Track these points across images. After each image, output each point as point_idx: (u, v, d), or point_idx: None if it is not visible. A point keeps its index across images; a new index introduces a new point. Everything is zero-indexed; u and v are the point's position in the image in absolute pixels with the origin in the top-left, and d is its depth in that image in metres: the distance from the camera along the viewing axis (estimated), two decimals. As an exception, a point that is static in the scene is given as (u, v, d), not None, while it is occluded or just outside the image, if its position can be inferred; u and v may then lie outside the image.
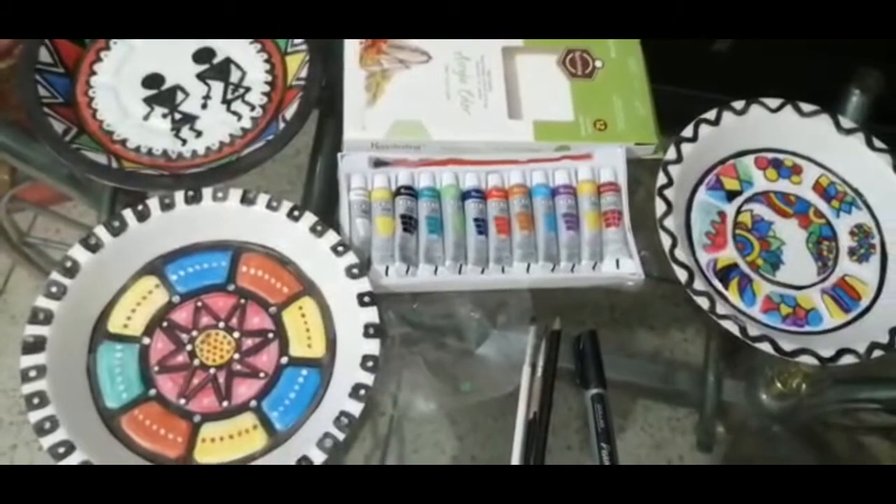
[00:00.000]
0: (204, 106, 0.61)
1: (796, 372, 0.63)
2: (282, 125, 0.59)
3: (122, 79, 0.62)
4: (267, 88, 0.62)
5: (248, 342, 0.56)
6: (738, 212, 0.63)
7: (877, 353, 0.58)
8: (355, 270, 0.56)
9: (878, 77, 0.70)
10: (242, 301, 0.57)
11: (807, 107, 0.65)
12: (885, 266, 0.63)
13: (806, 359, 0.57)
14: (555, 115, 0.63)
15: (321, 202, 0.63)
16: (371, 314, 0.55)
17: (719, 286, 0.60)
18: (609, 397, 0.56)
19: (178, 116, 0.61)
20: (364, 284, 0.55)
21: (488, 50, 0.64)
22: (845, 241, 0.63)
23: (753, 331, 0.57)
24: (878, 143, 0.65)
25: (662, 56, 0.72)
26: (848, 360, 0.57)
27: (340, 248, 0.56)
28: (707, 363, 0.68)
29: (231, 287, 0.57)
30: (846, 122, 0.65)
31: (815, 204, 0.64)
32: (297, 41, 0.63)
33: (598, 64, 0.65)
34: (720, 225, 0.63)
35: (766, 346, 0.57)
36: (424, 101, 0.62)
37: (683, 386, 0.71)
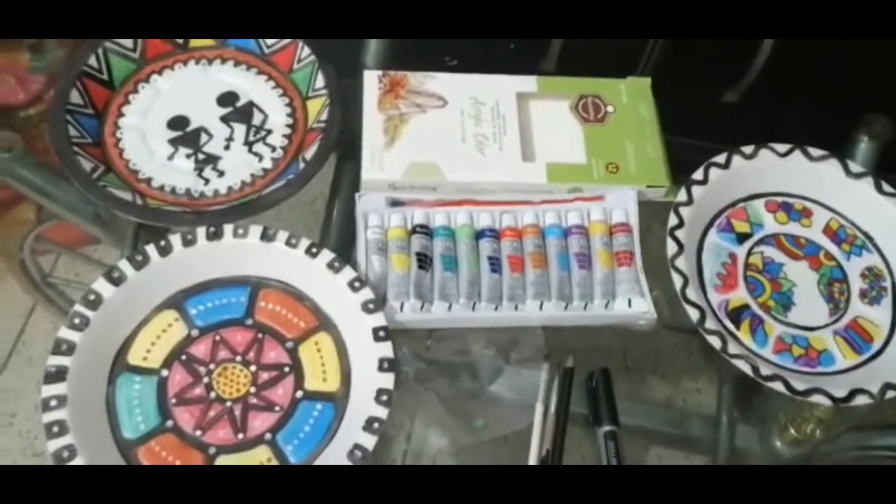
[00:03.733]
0: (227, 147, 0.63)
1: (810, 417, 0.63)
2: (301, 165, 0.61)
3: (149, 120, 0.64)
4: (288, 131, 0.65)
5: (265, 376, 0.57)
6: (749, 254, 0.64)
7: (891, 393, 0.58)
8: (371, 306, 0.57)
9: (886, 123, 0.72)
10: (260, 335, 0.58)
11: (815, 152, 0.66)
12: (898, 308, 0.63)
13: (819, 398, 0.57)
14: (568, 158, 0.64)
15: (338, 241, 0.64)
16: (386, 349, 0.55)
17: (731, 327, 0.61)
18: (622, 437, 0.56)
19: (201, 157, 0.63)
20: (379, 319, 0.56)
21: (503, 95, 0.66)
22: (857, 284, 0.64)
23: (766, 370, 0.57)
24: (887, 188, 0.66)
25: (674, 107, 0.74)
26: (861, 400, 0.57)
27: (357, 284, 0.57)
28: (720, 408, 0.68)
29: (249, 321, 0.58)
30: (855, 167, 0.66)
31: (825, 247, 0.65)
32: (318, 86, 0.65)
33: (610, 109, 0.67)
34: (731, 266, 0.63)
35: (778, 386, 0.57)
36: (440, 144, 0.63)
37: (696, 432, 0.71)
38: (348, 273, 0.58)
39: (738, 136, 0.69)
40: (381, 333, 0.56)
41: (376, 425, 0.53)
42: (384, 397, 0.54)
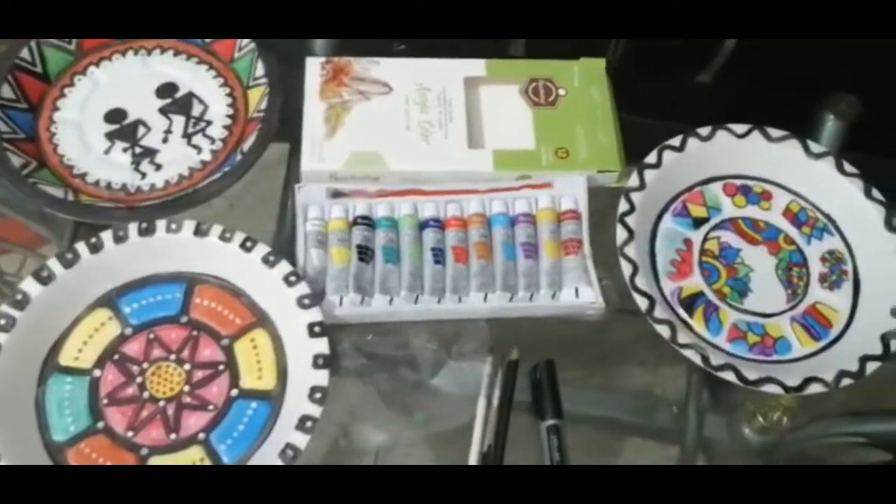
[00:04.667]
0: (165, 140, 0.62)
1: (776, 405, 0.61)
2: (239, 157, 0.60)
3: (86, 114, 0.62)
4: (228, 122, 0.63)
5: (199, 374, 0.55)
6: (705, 239, 0.62)
7: (846, 381, 0.56)
8: (307, 301, 0.55)
9: (853, 102, 0.69)
10: (195, 333, 0.56)
11: (775, 132, 0.64)
12: (858, 293, 0.61)
13: (771, 388, 0.55)
14: (516, 144, 0.62)
15: (285, 234, 0.62)
16: (321, 345, 0.54)
17: (684, 315, 0.59)
18: (566, 429, 0.55)
19: (138, 150, 0.61)
20: (315, 315, 0.55)
21: (450, 80, 0.64)
22: (816, 268, 0.62)
23: (716, 360, 0.55)
24: (849, 168, 0.63)
25: (643, 88, 0.72)
26: (815, 388, 0.55)
27: (292, 279, 0.56)
28: (688, 398, 0.66)
29: (184, 319, 0.57)
30: (816, 147, 0.64)
31: (785, 230, 0.63)
32: (259, 75, 0.63)
33: (562, 92, 0.64)
34: (686, 252, 0.61)
35: (729, 375, 0.55)
36: (384, 132, 0.62)
37: (662, 422, 0.69)
38: (284, 267, 0.56)
39: (710, 117, 0.67)
40: (317, 329, 0.54)
41: (309, 424, 0.51)
42: (318, 395, 0.52)
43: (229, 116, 0.63)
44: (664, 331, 0.56)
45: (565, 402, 0.56)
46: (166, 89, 0.64)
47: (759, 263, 0.61)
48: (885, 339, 0.57)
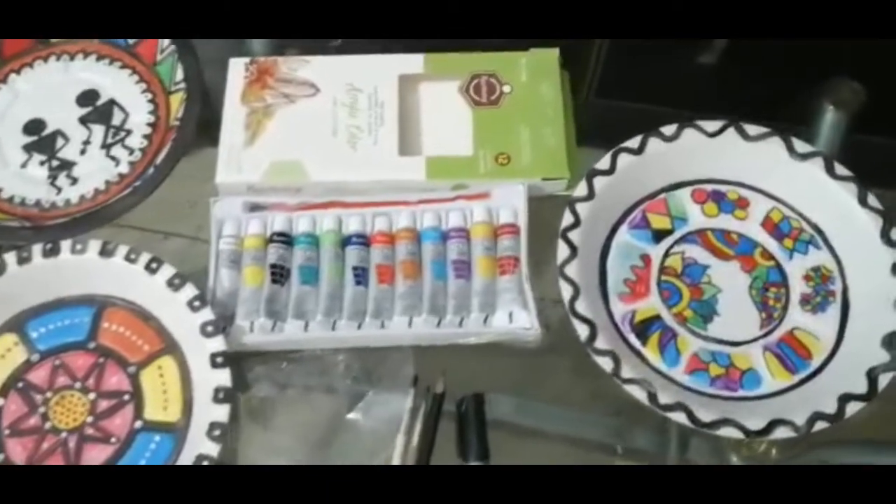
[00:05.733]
0: (83, 151, 0.58)
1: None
2: (151, 171, 0.56)
3: (5, 126, 0.59)
4: (148, 130, 0.59)
5: (103, 404, 0.52)
6: (667, 254, 0.55)
7: (820, 425, 0.48)
8: (210, 328, 0.51)
9: (856, 88, 0.60)
10: (101, 360, 0.53)
11: (753, 129, 0.56)
12: (846, 317, 0.53)
13: (728, 431, 0.48)
14: (453, 149, 0.56)
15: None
16: (223, 377, 0.50)
17: (635, 343, 0.52)
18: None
19: (55, 164, 0.58)
20: (218, 343, 0.51)
21: (384, 79, 0.58)
22: (798, 288, 0.53)
23: (666, 397, 0.49)
24: (840, 170, 0.55)
25: (639, 69, 0.64)
26: (782, 433, 0.48)
27: (196, 304, 0.52)
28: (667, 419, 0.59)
29: (91, 345, 0.54)
30: (801, 146, 0.55)
31: (762, 243, 0.55)
32: (179, 79, 0.59)
33: (507, 89, 0.58)
34: (643, 270, 0.54)
35: (680, 416, 0.48)
36: (307, 139, 0.56)
37: (641, 444, 0.63)
38: (189, 291, 0.52)
39: (710, 103, 0.60)
40: (219, 360, 0.50)
41: (206, 463, 0.48)
42: (216, 432, 0.48)
43: (150, 125, 0.59)
44: (605, 363, 0.49)
45: (494, 441, 0.50)
46: (87, 97, 0.60)
47: (729, 282, 0.54)
48: (871, 374, 0.49)
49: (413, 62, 0.59)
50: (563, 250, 0.52)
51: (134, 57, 0.61)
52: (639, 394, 0.49)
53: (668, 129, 0.56)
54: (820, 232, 0.55)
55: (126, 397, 0.52)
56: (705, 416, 0.48)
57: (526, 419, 0.54)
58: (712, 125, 0.56)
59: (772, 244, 0.55)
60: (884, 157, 0.60)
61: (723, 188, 0.56)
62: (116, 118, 0.59)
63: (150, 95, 0.60)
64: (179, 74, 0.59)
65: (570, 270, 0.52)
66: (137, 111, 0.60)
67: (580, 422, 0.57)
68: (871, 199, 0.53)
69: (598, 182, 0.54)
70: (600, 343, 0.50)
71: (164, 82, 0.60)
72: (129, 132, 0.59)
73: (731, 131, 0.56)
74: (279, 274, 0.53)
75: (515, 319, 0.52)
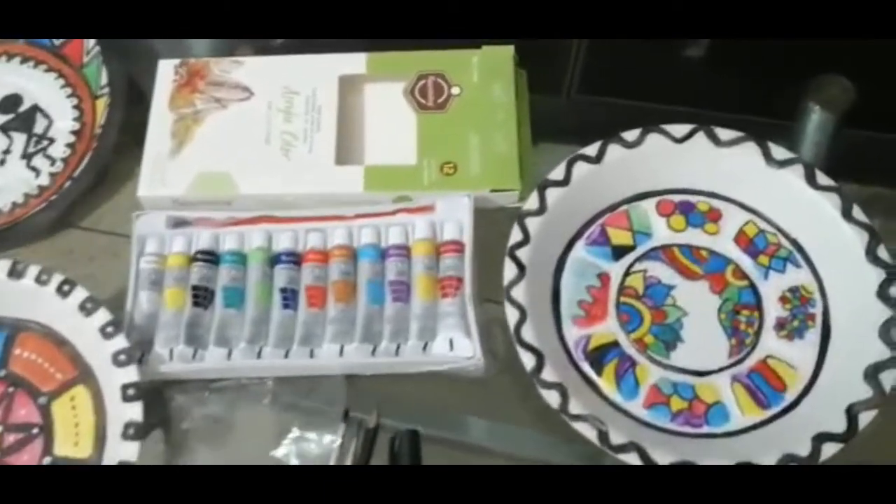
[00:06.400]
0: (2, 162, 0.55)
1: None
2: (69, 184, 0.52)
3: (-75, 137, 0.56)
4: (72, 139, 0.55)
5: (11, 438, 0.48)
6: (627, 273, 0.49)
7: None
8: (122, 357, 0.47)
9: (846, 86, 0.54)
10: (11, 389, 0.49)
11: (725, 133, 0.50)
12: (827, 344, 0.47)
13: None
14: (395, 158, 0.52)
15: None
16: (133, 411, 0.46)
17: (589, 372, 0.47)
18: None
19: (-27, 176, 0.54)
20: (130, 374, 0.46)
21: (323, 81, 0.54)
22: (773, 311, 0.48)
23: (618, 437, 0.43)
24: (822, 179, 0.49)
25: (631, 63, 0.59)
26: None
27: (109, 330, 0.48)
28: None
29: (1, 372, 0.50)
30: (779, 152, 0.50)
31: (735, 260, 0.49)
32: (104, 83, 0.55)
33: (455, 91, 0.53)
34: (600, 291, 0.49)
35: (633, 458, 0.43)
36: (237, 148, 0.52)
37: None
38: (102, 316, 0.48)
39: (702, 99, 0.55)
40: (130, 392, 0.46)
41: (113, 506, 0.44)
42: (125, 472, 0.44)
43: (74, 133, 0.55)
44: (552, 397, 0.44)
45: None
46: (9, 102, 0.56)
47: (696, 305, 0.48)
48: (851, 411, 0.43)
49: (355, 62, 0.54)
50: (510, 270, 0.47)
51: (60, 59, 0.57)
52: (588, 432, 0.44)
53: (630, 135, 0.50)
54: (799, 248, 0.49)
55: (35, 430, 0.48)
56: (661, 457, 0.43)
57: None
58: (679, 129, 0.50)
59: (745, 261, 0.49)
60: (875, 164, 0.54)
61: (692, 199, 0.51)
62: (39, 125, 0.55)
63: (75, 101, 0.56)
64: (105, 78, 0.54)
65: (518, 293, 0.47)
66: (62, 117, 0.56)
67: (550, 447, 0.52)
68: (857, 212, 0.48)
69: (552, 194, 0.49)
70: (547, 374, 0.45)
71: (92, 86, 0.56)
72: (51, 141, 0.55)
73: (700, 136, 0.50)
74: (202, 296, 0.49)
75: (456, 347, 0.47)
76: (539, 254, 0.48)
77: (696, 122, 0.51)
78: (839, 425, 0.43)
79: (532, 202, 0.49)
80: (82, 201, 0.52)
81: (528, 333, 0.46)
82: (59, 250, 0.53)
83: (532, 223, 0.48)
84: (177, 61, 0.55)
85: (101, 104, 0.55)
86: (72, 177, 0.52)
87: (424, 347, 0.47)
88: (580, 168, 0.50)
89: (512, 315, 0.46)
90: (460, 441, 0.48)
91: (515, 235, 0.48)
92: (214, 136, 0.52)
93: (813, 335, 0.47)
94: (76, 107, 0.56)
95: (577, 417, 0.44)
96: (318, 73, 0.54)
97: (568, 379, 0.46)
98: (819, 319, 0.48)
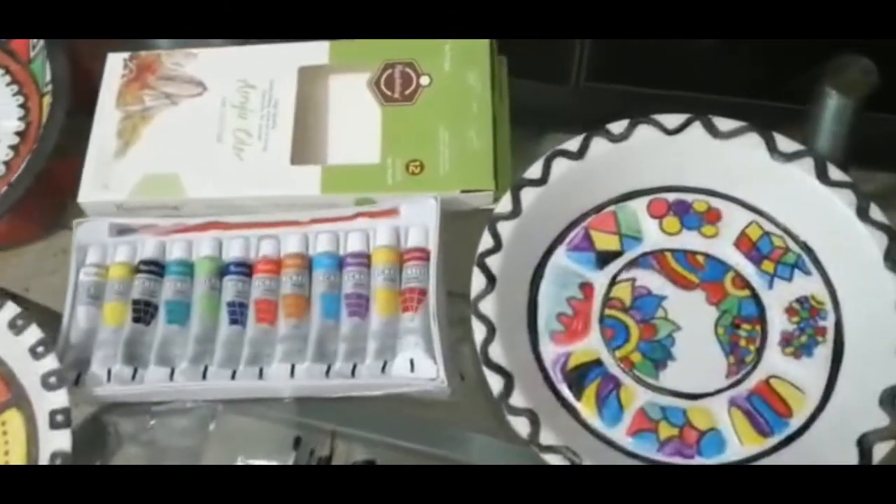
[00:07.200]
0: (-62, 168, 0.51)
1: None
2: (5, 189, 0.48)
3: None
4: (15, 140, 0.51)
5: (-61, 467, 0.45)
6: (613, 283, 0.44)
7: (795, 510, 0.37)
8: (52, 379, 0.43)
9: (867, 68, 0.48)
10: (-60, 413, 0.46)
11: (724, 123, 0.45)
12: (839, 363, 0.41)
13: (674, 517, 0.38)
14: (356, 156, 0.47)
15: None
16: (61, 440, 0.42)
17: (567, 395, 0.42)
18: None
19: None
20: (59, 398, 0.42)
21: (281, 73, 0.49)
22: (778, 324, 0.42)
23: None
24: (835, 174, 0.43)
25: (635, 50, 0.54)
26: (745, 520, 0.37)
27: (40, 350, 0.44)
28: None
29: (-68, 394, 0.46)
30: (785, 144, 0.44)
31: (736, 267, 0.44)
32: (48, 79, 0.51)
33: (424, 81, 0.48)
34: (582, 303, 0.44)
35: (612, 495, 0.38)
36: (187, 148, 0.48)
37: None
38: (32, 334, 0.44)
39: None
40: (59, 419, 0.42)
41: (39, 547, 0.40)
42: (52, 507, 0.40)
43: (19, 133, 0.51)
44: (521, 425, 0.39)
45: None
46: (-54, 102, 0.53)
47: (690, 318, 0.43)
48: (863, 443, 0.38)
49: (317, 51, 0.49)
50: (478, 281, 0.42)
51: (7, 54, 0.53)
52: (560, 464, 0.39)
53: (616, 127, 0.45)
54: (809, 252, 0.43)
55: (-36, 459, 0.45)
56: (647, 494, 0.38)
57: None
58: (672, 120, 0.45)
59: (747, 268, 0.44)
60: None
61: (688, 198, 0.45)
62: (-21, 126, 0.52)
63: (21, 98, 0.52)
64: (49, 74, 0.51)
65: (486, 306, 0.42)
66: (7, 116, 0.52)
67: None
68: (874, 212, 0.42)
69: (528, 194, 0.44)
70: (517, 398, 0.40)
71: (39, 83, 0.52)
72: (-7, 142, 0.51)
73: (696, 126, 0.45)
74: (143, 311, 0.45)
75: (418, 368, 0.42)
76: (513, 262, 0.43)
77: (725, 110, 0.45)
78: (850, 458, 0.38)
79: (504, 204, 0.44)
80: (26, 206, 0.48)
81: (495, 352, 0.41)
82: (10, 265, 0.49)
83: (504, 228, 0.43)
84: (126, 54, 0.50)
85: (47, 103, 0.51)
86: (9, 182, 0.48)
87: (383, 368, 0.43)
88: (560, 165, 0.44)
89: (479, 331, 0.41)
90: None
91: (485, 242, 0.43)
92: (163, 136, 0.48)
93: (823, 352, 0.41)
94: (22, 105, 0.52)
95: (549, 449, 0.39)
96: (276, 64, 0.49)
97: (542, 403, 0.40)
98: (830, 334, 0.42)
